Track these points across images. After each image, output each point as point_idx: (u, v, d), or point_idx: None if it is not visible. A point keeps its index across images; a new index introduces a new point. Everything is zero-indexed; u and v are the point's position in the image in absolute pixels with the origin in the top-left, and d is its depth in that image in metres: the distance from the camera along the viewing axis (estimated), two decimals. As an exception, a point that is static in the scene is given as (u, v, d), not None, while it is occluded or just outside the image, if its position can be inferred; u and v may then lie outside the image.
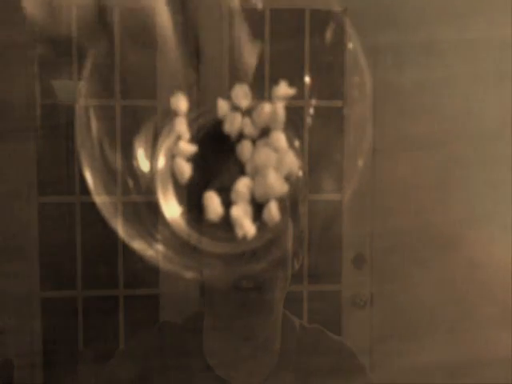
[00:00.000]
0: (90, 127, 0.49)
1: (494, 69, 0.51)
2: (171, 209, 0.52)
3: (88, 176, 0.48)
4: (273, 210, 0.51)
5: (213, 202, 0.51)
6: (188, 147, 0.52)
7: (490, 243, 0.47)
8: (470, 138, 0.51)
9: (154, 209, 0.51)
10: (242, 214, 0.51)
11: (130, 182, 0.48)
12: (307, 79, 0.52)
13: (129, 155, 0.50)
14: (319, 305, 0.46)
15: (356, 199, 0.53)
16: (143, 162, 0.51)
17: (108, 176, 0.49)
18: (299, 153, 0.52)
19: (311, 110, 0.52)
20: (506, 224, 0.48)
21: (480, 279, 0.46)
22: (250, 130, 0.53)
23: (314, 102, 0.52)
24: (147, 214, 0.50)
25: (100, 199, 0.47)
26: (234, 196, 0.52)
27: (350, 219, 0.52)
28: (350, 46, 0.48)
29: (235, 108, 0.53)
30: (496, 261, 0.46)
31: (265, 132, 0.53)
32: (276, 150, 0.52)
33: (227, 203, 0.51)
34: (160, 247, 0.47)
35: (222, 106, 0.53)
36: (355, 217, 0.52)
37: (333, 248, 0.50)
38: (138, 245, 0.46)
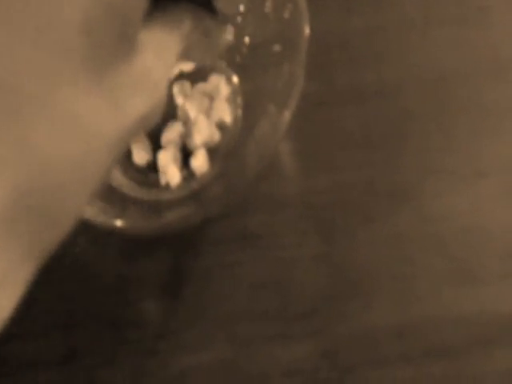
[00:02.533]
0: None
1: (451, 12, 0.48)
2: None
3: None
4: (200, 159, 0.48)
5: (141, 145, 0.49)
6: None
7: (445, 195, 0.45)
8: (425, 86, 0.48)
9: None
10: (168, 160, 0.48)
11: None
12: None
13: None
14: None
15: (300, 154, 0.50)
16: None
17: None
18: (237, 94, 0.49)
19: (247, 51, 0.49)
20: (463, 174, 0.45)
21: (433, 234, 0.44)
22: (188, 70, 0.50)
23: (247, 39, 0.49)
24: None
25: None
26: (162, 140, 0.49)
27: (293, 174, 0.49)
28: None
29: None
30: (451, 214, 0.44)
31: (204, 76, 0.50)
32: (211, 95, 0.50)
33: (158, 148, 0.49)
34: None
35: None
36: (297, 172, 0.49)
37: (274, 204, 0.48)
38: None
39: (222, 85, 0.49)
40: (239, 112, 0.49)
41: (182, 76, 0.50)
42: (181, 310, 0.45)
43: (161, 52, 0.27)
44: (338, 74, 0.50)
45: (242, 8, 0.49)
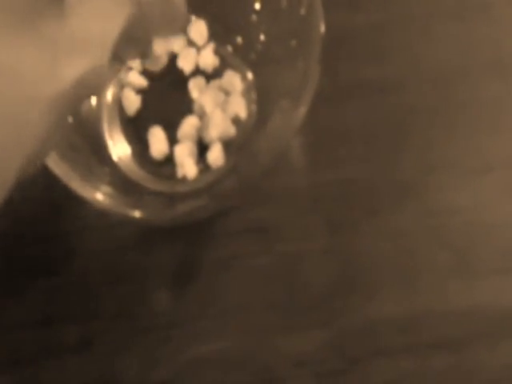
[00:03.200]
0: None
1: (454, 8, 0.49)
2: (118, 146, 0.50)
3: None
4: (216, 153, 0.49)
5: (158, 139, 0.50)
6: (139, 79, 0.51)
7: (447, 190, 0.45)
8: (427, 81, 0.48)
9: (97, 147, 0.49)
10: (184, 154, 0.49)
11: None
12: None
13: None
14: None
15: (305, 148, 0.50)
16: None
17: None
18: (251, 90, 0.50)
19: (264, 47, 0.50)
20: (466, 169, 0.46)
21: (435, 228, 0.44)
22: (204, 67, 0.51)
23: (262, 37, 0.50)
24: (88, 153, 0.48)
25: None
26: (179, 134, 0.50)
27: (299, 168, 0.50)
28: None
29: (191, 44, 0.51)
30: (453, 208, 0.45)
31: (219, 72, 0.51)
32: (227, 90, 0.50)
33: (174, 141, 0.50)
34: (105, 188, 0.45)
35: (178, 40, 0.51)
36: (304, 167, 0.50)
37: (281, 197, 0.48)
38: (78, 186, 0.43)
39: (236, 80, 0.50)
40: (253, 107, 0.50)
41: (197, 72, 0.51)
42: (193, 299, 0.46)
43: (100, 13, 0.27)
44: (341, 69, 0.50)
45: (257, 6, 0.50)
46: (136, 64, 0.51)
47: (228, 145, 0.50)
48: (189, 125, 0.50)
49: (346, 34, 0.50)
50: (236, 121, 0.50)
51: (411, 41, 0.50)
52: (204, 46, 0.51)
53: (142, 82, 0.51)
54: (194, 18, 0.51)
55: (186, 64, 0.51)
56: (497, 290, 0.44)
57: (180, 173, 0.49)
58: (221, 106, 0.50)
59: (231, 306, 0.46)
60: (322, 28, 0.44)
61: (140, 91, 0.51)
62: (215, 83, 0.51)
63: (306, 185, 0.49)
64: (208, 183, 0.49)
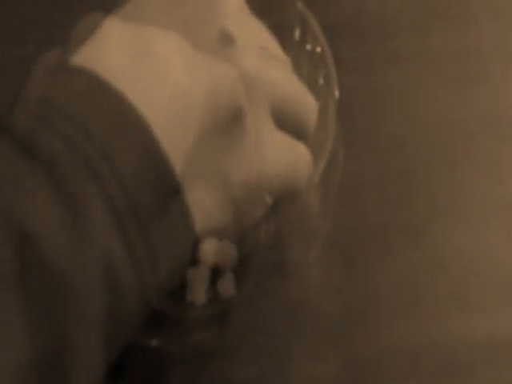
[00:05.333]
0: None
1: (458, 74, 0.56)
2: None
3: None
4: (227, 283, 0.49)
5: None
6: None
7: (453, 234, 0.52)
8: (433, 136, 0.55)
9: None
10: (196, 278, 0.49)
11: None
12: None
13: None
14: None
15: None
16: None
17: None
18: None
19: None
20: (470, 215, 0.53)
21: (443, 265, 0.51)
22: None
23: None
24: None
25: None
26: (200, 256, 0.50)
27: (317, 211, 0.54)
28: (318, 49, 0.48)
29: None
30: (459, 251, 0.52)
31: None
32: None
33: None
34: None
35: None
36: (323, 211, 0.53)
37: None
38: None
39: None
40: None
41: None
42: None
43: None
44: (358, 126, 0.55)
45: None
46: None
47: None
48: (206, 247, 0.50)
49: (360, 97, 0.55)
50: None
51: (416, 101, 0.55)
52: None
53: None
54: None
55: None
56: (501, 322, 0.49)
57: (188, 297, 0.49)
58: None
59: (260, 332, 0.50)
60: (337, 94, 0.47)
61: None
62: None
63: (323, 226, 0.53)
64: (217, 312, 0.49)
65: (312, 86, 0.46)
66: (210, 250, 0.49)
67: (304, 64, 0.47)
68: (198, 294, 0.49)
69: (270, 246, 0.50)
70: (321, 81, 0.47)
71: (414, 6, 0.57)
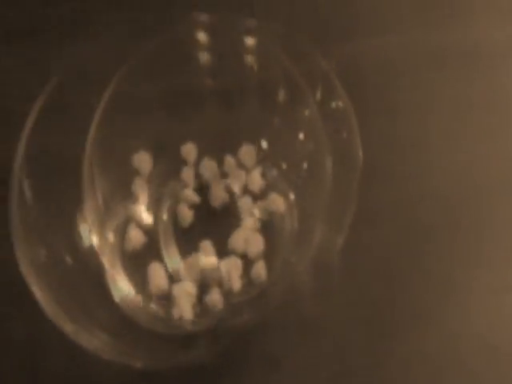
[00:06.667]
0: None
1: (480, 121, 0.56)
2: (119, 285, 0.49)
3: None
4: (214, 298, 0.48)
5: (156, 275, 0.49)
6: (193, 196, 0.52)
7: (464, 314, 0.49)
8: (443, 205, 0.54)
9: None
10: (182, 294, 0.48)
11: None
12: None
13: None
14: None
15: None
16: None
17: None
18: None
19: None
20: (481, 296, 0.50)
21: (453, 350, 0.48)
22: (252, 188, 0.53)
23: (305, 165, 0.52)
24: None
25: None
26: (182, 272, 0.49)
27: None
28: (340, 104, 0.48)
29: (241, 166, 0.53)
30: (470, 331, 0.48)
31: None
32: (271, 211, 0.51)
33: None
34: (105, 335, 0.43)
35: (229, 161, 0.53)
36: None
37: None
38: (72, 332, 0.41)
39: (280, 202, 0.51)
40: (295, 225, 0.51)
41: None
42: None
43: None
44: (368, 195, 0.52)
45: (301, 136, 0.51)
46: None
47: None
48: (191, 261, 0.49)
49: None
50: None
51: (431, 166, 0.54)
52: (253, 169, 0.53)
53: (195, 198, 0.52)
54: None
55: (235, 184, 0.52)
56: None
57: (175, 313, 0.47)
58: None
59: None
60: (360, 153, 0.46)
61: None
62: (261, 204, 0.52)
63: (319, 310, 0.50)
64: (208, 326, 0.47)
65: (334, 145, 0.47)
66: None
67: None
68: (185, 309, 0.47)
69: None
70: (344, 135, 0.47)
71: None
